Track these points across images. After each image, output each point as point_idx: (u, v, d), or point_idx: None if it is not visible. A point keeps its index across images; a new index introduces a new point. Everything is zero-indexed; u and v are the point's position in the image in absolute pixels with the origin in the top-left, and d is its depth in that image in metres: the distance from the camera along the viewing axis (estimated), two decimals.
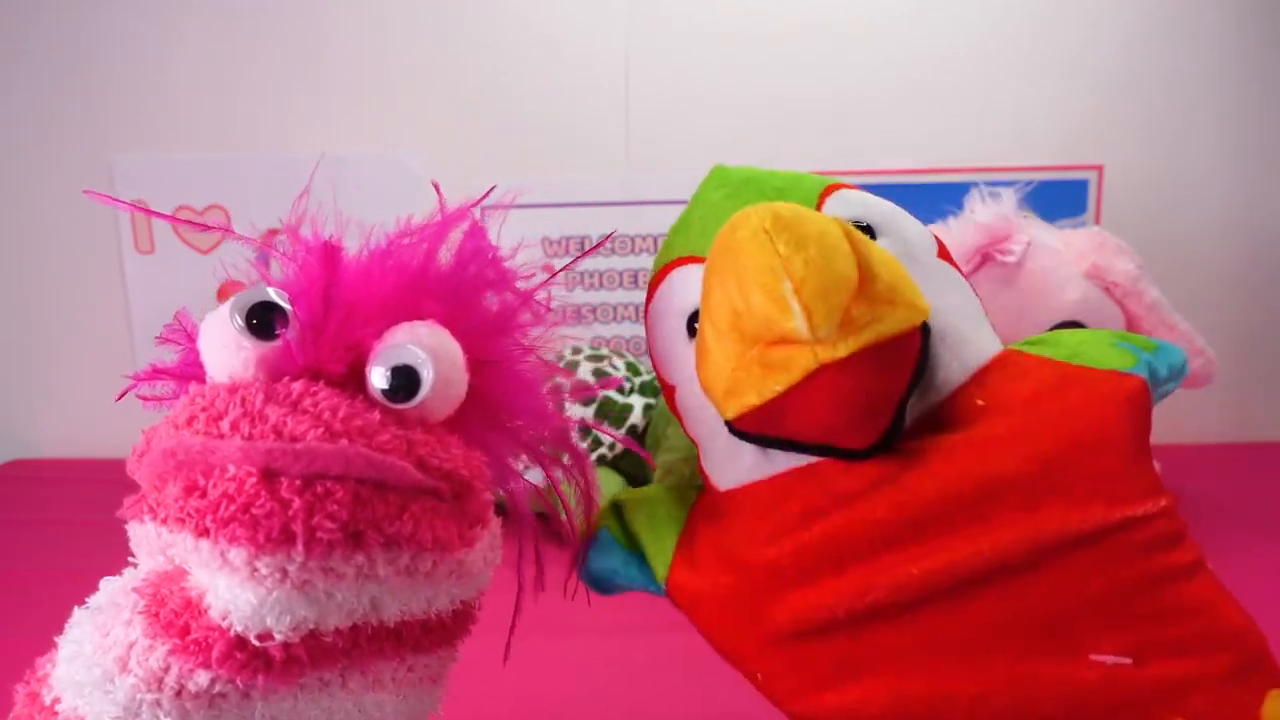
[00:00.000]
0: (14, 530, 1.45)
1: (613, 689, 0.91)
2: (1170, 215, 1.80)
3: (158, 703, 0.43)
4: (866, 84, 1.81)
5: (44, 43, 1.82)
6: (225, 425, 0.43)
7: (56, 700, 0.46)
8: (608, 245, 1.85)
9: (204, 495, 0.42)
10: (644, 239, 1.87)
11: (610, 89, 1.84)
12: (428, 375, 0.46)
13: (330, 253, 0.47)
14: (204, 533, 0.42)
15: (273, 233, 1.88)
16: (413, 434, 0.45)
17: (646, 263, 1.87)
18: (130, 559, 0.50)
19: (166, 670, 0.43)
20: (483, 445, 0.50)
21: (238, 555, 0.42)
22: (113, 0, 1.80)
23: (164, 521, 0.44)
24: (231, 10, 1.82)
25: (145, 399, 0.52)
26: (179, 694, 0.43)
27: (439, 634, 0.51)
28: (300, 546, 0.42)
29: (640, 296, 1.88)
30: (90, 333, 1.92)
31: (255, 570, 0.42)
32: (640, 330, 1.85)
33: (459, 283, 0.51)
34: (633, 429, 1.36)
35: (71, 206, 1.87)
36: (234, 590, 0.43)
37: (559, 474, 0.59)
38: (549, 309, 0.56)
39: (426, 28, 1.82)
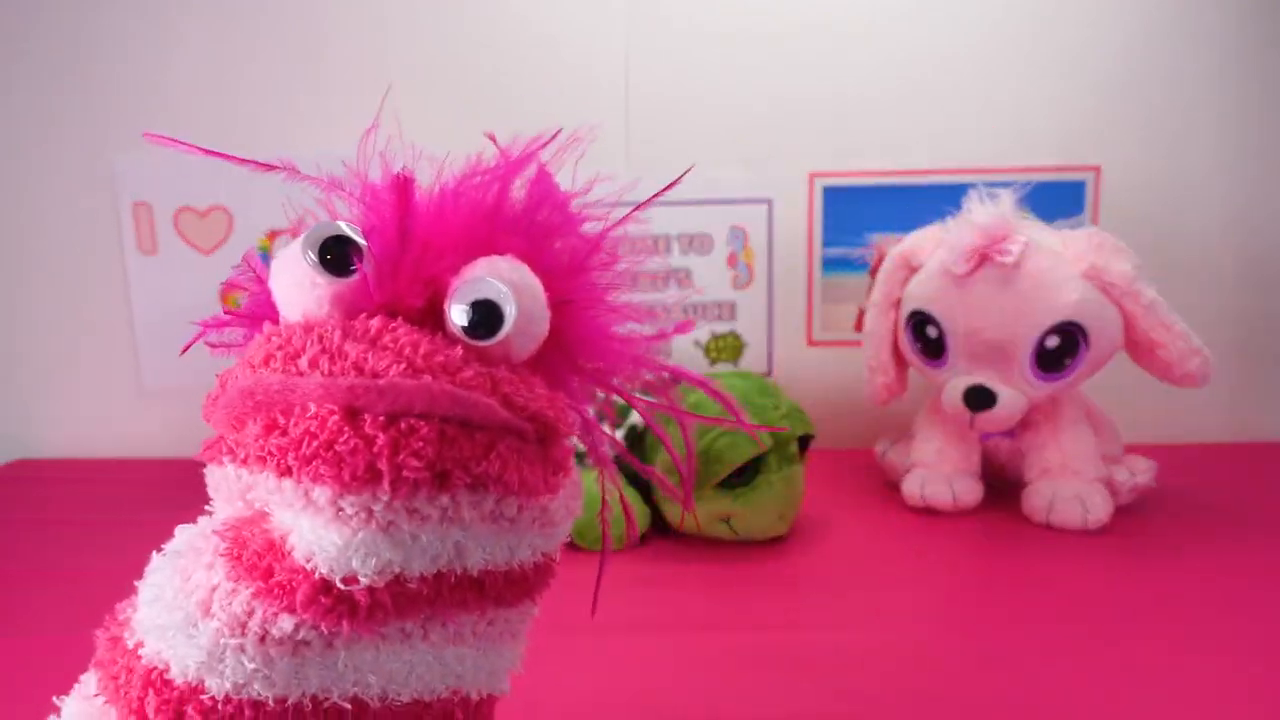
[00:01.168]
0: (15, 530, 1.42)
1: (615, 690, 0.88)
2: (1169, 215, 1.81)
3: (241, 648, 0.42)
4: (866, 84, 1.82)
5: (44, 43, 1.80)
6: (304, 363, 0.41)
7: (139, 645, 0.44)
8: None
9: (285, 433, 0.41)
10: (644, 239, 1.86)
11: (610, 89, 1.83)
12: (510, 310, 0.43)
13: (403, 185, 0.46)
14: (286, 471, 0.41)
15: (275, 233, 1.87)
16: (496, 371, 0.44)
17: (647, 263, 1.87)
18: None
19: (250, 614, 0.42)
20: (564, 388, 0.49)
21: (322, 494, 0.40)
22: (113, 0, 1.79)
23: (244, 462, 0.43)
24: (231, 10, 1.81)
25: (213, 345, 0.50)
26: (263, 639, 0.42)
27: (520, 586, 0.48)
28: (386, 485, 0.40)
29: (641, 296, 1.87)
30: (92, 333, 1.89)
31: (340, 510, 0.41)
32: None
33: (532, 221, 0.49)
34: (633, 428, 1.35)
35: (72, 207, 1.85)
36: (318, 531, 0.41)
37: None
38: (625, 249, 0.54)
39: (426, 28, 1.81)
